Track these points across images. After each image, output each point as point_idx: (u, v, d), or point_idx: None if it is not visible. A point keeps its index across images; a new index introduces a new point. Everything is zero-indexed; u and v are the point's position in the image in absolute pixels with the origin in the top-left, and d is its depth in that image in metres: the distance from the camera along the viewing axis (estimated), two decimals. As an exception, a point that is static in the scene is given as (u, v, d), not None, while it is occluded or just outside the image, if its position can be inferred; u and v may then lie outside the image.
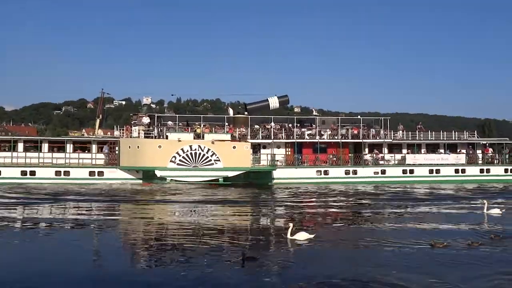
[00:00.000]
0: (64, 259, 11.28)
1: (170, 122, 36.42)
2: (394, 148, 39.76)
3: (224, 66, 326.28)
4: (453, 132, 42.62)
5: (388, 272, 9.93)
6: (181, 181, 32.84)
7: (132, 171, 33.69)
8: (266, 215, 20.16)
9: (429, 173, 38.08)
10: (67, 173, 33.24)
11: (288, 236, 13.42)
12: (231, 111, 41.91)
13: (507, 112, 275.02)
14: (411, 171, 37.82)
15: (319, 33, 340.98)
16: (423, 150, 40.28)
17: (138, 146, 33.09)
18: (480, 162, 40.15)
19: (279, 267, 10.55)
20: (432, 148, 40.74)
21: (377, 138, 38.82)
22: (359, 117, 41.42)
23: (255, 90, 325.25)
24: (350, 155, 38.07)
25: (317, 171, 36.39)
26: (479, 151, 40.83)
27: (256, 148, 36.31)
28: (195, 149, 33.28)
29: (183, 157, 33.12)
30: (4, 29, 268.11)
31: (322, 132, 38.11)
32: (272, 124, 37.41)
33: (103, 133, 50.04)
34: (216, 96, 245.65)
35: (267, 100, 39.72)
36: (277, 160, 36.39)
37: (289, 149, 37.67)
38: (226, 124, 36.96)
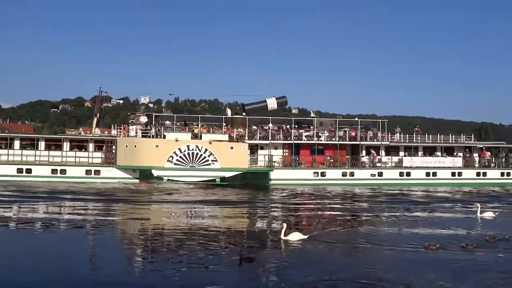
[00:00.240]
0: (59, 258, 11.21)
1: (167, 122, 36.36)
2: (391, 150, 39.86)
3: (223, 66, 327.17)
4: (450, 135, 42.70)
5: (382, 273, 9.95)
6: (178, 181, 32.81)
7: (129, 170, 33.65)
8: (262, 216, 20.16)
9: (426, 176, 38.17)
10: (63, 171, 33.17)
11: (282, 236, 13.42)
12: (229, 112, 41.87)
13: (503, 116, 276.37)
14: (408, 174, 37.93)
15: (319, 33, 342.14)
16: (420, 153, 40.38)
17: (135, 146, 33.04)
18: (476, 165, 40.30)
19: (276, 267, 10.56)
20: (429, 151, 40.86)
21: (375, 140, 38.90)
22: (356, 119, 41.42)
23: (255, 91, 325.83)
24: (347, 157, 38.13)
25: (314, 172, 36.43)
26: (475, 155, 40.96)
27: (253, 149, 36.31)
28: (193, 149, 33.24)
29: (180, 157, 33.08)
30: (4, 29, 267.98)
31: (319, 134, 38.12)
32: (270, 125, 37.38)
33: (100, 131, 49.99)
34: (214, 96, 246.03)
35: (265, 101, 39.67)
36: (275, 161, 36.45)
37: (287, 150, 37.71)
38: (224, 124, 36.93)
